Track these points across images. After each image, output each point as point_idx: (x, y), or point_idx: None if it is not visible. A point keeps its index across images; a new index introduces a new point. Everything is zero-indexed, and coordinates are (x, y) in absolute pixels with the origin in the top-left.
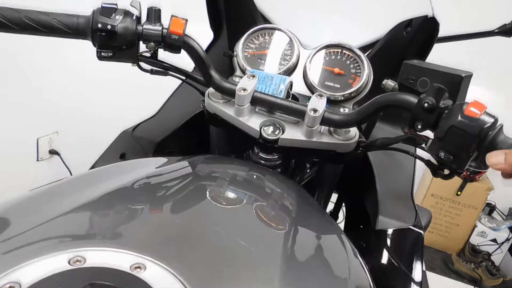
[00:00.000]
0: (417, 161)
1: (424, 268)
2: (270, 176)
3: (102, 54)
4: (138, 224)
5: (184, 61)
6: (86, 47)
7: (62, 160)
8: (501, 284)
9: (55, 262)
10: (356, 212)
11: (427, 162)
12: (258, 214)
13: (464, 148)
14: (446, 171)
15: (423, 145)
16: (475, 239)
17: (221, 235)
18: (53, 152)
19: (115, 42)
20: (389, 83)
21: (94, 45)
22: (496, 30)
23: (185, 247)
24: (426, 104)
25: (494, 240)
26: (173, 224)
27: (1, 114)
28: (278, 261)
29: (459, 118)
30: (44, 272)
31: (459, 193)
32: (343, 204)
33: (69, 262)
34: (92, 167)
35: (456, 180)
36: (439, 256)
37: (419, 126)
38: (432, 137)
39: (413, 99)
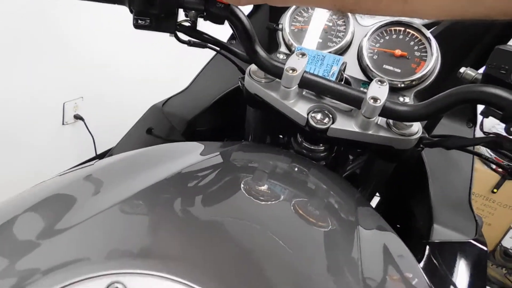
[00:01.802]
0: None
1: None
2: (317, 171)
3: (139, 22)
4: (180, 237)
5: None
6: (120, 12)
7: (85, 125)
8: None
9: None
10: (397, 212)
11: (509, 171)
12: (304, 213)
13: None
14: None
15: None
16: (508, 242)
17: (263, 240)
18: (77, 117)
19: (154, 9)
20: (469, 72)
21: (131, 12)
22: None
23: (225, 262)
24: None
25: None
26: (216, 234)
27: (30, 78)
28: (322, 266)
29: None
30: None
31: (495, 190)
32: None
33: None
34: (120, 142)
35: (493, 176)
36: None
37: None
38: None
39: (509, 95)
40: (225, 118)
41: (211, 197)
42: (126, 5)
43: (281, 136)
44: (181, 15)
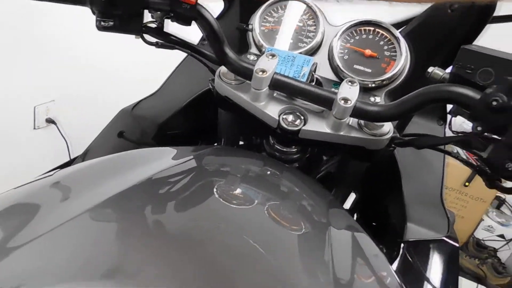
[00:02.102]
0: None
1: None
2: (289, 174)
3: (102, 24)
4: (151, 248)
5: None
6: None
7: (58, 129)
8: (508, 283)
9: None
10: (371, 212)
11: (479, 170)
12: (280, 218)
13: None
14: (509, 183)
15: (480, 151)
16: (480, 233)
17: (241, 248)
18: (49, 121)
19: (117, 10)
20: (437, 71)
21: (93, 13)
22: None
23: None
24: (494, 103)
25: (502, 236)
26: (190, 243)
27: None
28: (300, 270)
29: None
30: None
31: (467, 184)
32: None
33: None
34: (90, 146)
35: (465, 170)
36: None
37: (479, 128)
38: (495, 143)
39: (475, 94)
40: (198, 121)
41: (181, 204)
42: (88, 6)
43: (254, 139)
44: (148, 16)
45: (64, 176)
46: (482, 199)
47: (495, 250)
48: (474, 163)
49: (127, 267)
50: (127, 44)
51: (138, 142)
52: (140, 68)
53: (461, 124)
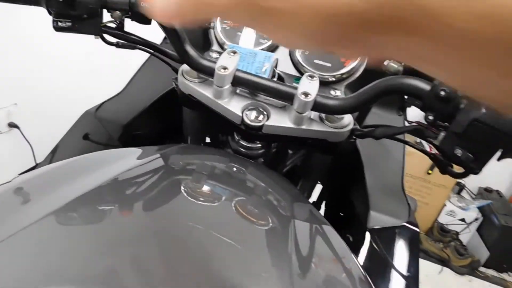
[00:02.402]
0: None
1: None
2: (254, 169)
3: (59, 24)
4: (116, 251)
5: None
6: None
7: (22, 133)
8: (469, 264)
9: None
10: (338, 203)
11: (432, 157)
12: (246, 214)
13: (487, 146)
14: (459, 169)
15: (432, 139)
16: (444, 219)
17: (209, 246)
18: (12, 125)
19: (75, 10)
20: (392, 64)
21: (50, 14)
22: None
23: (176, 273)
24: (442, 93)
25: (463, 220)
26: (158, 243)
27: None
28: (268, 264)
29: (483, 110)
30: None
31: (430, 172)
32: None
33: None
34: (54, 149)
35: (428, 159)
36: None
37: (430, 117)
38: (446, 131)
39: (425, 86)
40: (164, 121)
41: (147, 203)
42: (44, 6)
43: (220, 136)
44: (107, 16)
45: (26, 180)
46: (444, 186)
47: (457, 234)
48: (430, 150)
49: (91, 271)
50: (91, 46)
51: (104, 143)
52: (105, 70)
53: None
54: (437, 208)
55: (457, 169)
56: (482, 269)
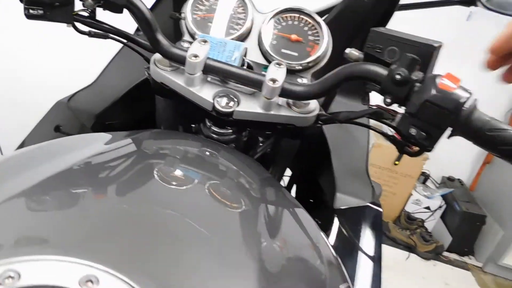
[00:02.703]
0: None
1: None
2: (225, 152)
3: (31, 12)
4: (83, 221)
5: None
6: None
7: None
8: (434, 249)
9: None
10: (309, 188)
11: (392, 139)
12: (218, 196)
13: (438, 124)
14: (415, 148)
15: (390, 121)
16: (410, 207)
17: (179, 226)
18: None
19: None
20: (353, 52)
21: (21, 1)
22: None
23: (143, 249)
24: (398, 76)
25: (428, 208)
26: (125, 220)
27: None
28: (241, 245)
29: (433, 92)
30: None
31: (396, 162)
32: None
33: None
34: (24, 141)
35: (395, 151)
36: None
37: (388, 100)
38: (401, 112)
39: (383, 71)
40: (138, 110)
41: (118, 187)
42: None
43: (193, 125)
44: (79, 5)
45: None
46: (410, 176)
47: (422, 221)
48: (389, 133)
49: (51, 242)
50: (53, 36)
51: (77, 134)
52: (71, 60)
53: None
54: (403, 197)
55: (414, 149)
56: (445, 253)
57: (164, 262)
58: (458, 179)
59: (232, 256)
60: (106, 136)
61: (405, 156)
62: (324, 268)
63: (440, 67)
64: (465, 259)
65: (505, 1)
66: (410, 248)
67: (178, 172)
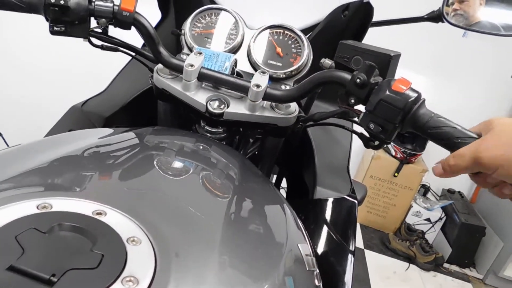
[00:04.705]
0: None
1: (356, 236)
2: (216, 146)
3: (55, 28)
4: (96, 180)
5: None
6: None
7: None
8: (433, 260)
9: (25, 208)
10: (296, 184)
11: (360, 135)
12: (205, 182)
13: (390, 120)
14: (377, 142)
15: (356, 119)
16: (410, 219)
17: (167, 195)
18: None
19: (68, 17)
20: (327, 61)
21: (47, 20)
22: (425, 16)
23: (139, 200)
24: (358, 80)
25: (428, 220)
26: (125, 182)
27: None
28: (221, 224)
29: (387, 92)
30: (14, 216)
31: (396, 174)
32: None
33: (37, 208)
34: None
35: (394, 163)
36: (377, 235)
37: (352, 101)
38: (364, 111)
39: (347, 76)
40: (143, 115)
41: (122, 173)
42: (42, 14)
43: (188, 124)
44: (94, 23)
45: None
46: (409, 188)
47: (423, 233)
48: (360, 132)
49: (77, 187)
50: (68, 48)
51: None
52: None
53: None
54: (404, 209)
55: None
56: (446, 265)
57: (156, 206)
58: (459, 192)
59: (215, 240)
60: (110, 130)
61: (404, 169)
62: (294, 251)
63: (443, 77)
64: (466, 270)
65: (466, 18)
66: (410, 259)
67: (172, 162)
